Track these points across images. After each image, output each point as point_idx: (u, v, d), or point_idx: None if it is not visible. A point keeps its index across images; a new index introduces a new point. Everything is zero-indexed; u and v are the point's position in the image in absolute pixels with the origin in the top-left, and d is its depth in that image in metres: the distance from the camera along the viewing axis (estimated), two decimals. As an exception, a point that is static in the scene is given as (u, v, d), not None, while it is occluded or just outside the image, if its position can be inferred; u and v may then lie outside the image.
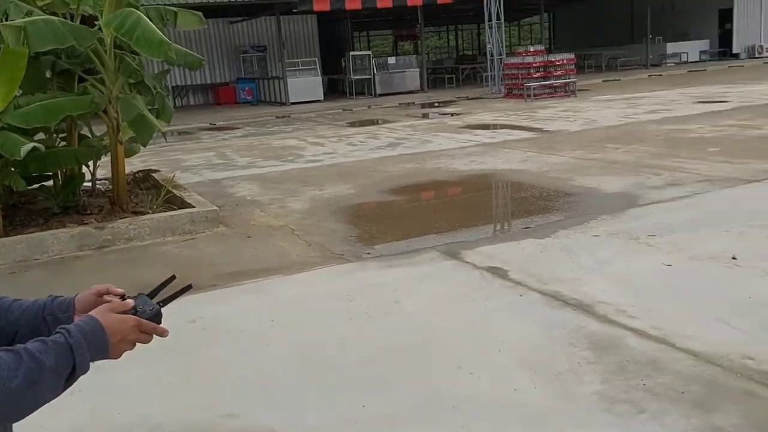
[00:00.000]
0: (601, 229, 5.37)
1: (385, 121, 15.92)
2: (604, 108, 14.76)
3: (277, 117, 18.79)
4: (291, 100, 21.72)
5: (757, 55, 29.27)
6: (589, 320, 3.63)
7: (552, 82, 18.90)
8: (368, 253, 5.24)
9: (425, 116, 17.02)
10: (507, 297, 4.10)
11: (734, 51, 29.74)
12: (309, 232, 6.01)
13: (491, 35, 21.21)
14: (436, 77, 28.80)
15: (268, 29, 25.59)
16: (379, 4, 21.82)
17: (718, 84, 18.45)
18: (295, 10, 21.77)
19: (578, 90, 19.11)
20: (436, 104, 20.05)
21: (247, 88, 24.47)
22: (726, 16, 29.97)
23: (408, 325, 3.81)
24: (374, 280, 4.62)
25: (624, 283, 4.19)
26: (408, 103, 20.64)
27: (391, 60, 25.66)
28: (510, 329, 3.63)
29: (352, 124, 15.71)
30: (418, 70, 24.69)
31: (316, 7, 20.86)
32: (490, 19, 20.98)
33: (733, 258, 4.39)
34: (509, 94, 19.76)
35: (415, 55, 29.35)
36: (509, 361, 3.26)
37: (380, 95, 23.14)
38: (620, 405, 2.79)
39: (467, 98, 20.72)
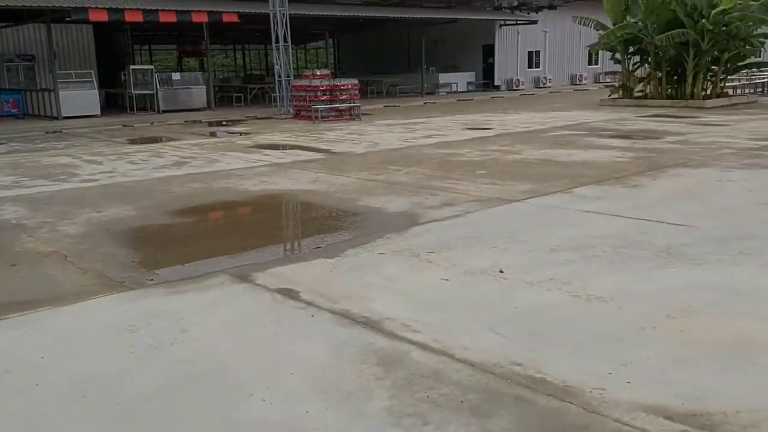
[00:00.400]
0: (386, 248, 5.62)
1: (170, 139, 15.28)
2: (386, 132, 15.54)
3: (47, 132, 17.19)
4: (63, 114, 20.03)
5: (514, 88, 32.76)
6: (378, 337, 3.78)
7: (338, 105, 19.49)
8: (152, 280, 4.97)
9: (213, 135, 16.62)
10: (298, 318, 4.12)
11: (496, 83, 33.00)
12: (85, 258, 5.55)
13: (279, 57, 21.37)
14: (224, 95, 28.34)
15: (37, 37, 23.39)
16: (162, 18, 20.95)
17: (483, 112, 20.33)
18: (68, 19, 20.14)
19: (362, 114, 19.90)
20: (224, 123, 19.68)
21: (11, 100, 22.15)
22: (489, 52, 33.22)
23: (196, 353, 3.67)
24: (159, 308, 4.39)
25: (408, 298, 4.42)
26: (194, 121, 20.03)
27: (176, 76, 24.79)
28: (302, 351, 3.65)
29: (133, 141, 14.87)
30: (204, 87, 24.10)
31: (92, 17, 19.45)
32: (277, 41, 21.13)
33: (501, 271, 4.84)
34: (298, 116, 20.02)
35: (201, 72, 28.61)
36: (301, 383, 3.28)
37: (164, 112, 22.21)
38: (407, 419, 2.92)
39: (256, 118, 20.62)
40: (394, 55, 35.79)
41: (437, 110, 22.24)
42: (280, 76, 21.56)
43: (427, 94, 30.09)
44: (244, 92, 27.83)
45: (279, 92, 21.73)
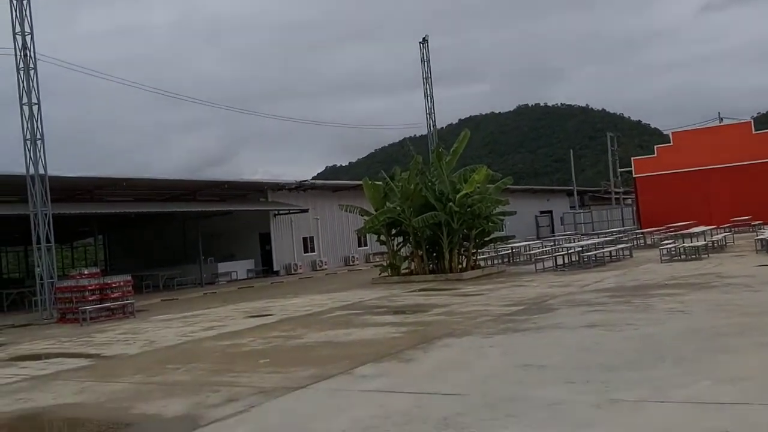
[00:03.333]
0: (164, 460, 5.21)
1: None
2: (164, 328, 14.88)
3: None
4: None
5: (293, 272, 33.60)
6: None
7: (109, 304, 18.42)
8: None
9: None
10: None
11: (275, 268, 33.66)
12: None
13: (41, 258, 19.95)
14: (-26, 303, 25.36)
15: None
16: None
17: (264, 299, 20.43)
18: None
19: (137, 311, 18.95)
20: (-28, 335, 17.45)
21: None
22: (266, 239, 34.14)
23: None
24: None
25: None
26: (-67, 336, 17.51)
27: None
28: None
29: None
30: (-53, 297, 21.46)
31: None
32: (38, 243, 19.83)
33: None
34: (63, 319, 18.47)
35: (-57, 280, 25.56)
36: None
37: None
38: None
39: (13, 326, 18.61)
40: (170, 247, 35.26)
41: (218, 300, 21.90)
42: (42, 279, 19.98)
43: (207, 284, 29.67)
44: (0, 298, 25.21)
45: (41, 296, 20.01)
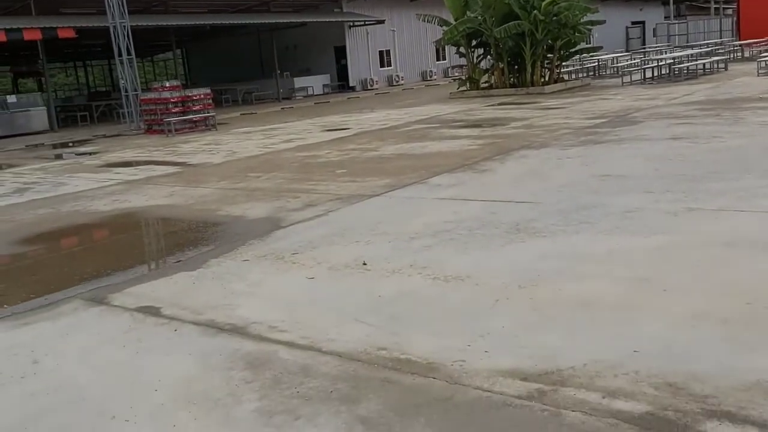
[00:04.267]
0: (250, 254, 5.57)
1: (9, 166, 14.22)
2: (244, 140, 15.32)
3: None
4: None
5: (369, 87, 33.34)
6: (244, 341, 3.75)
7: (192, 116, 18.96)
8: (-4, 314, 4.63)
9: (58, 157, 15.65)
10: (161, 334, 4.00)
11: (351, 84, 33.43)
12: None
13: (123, 71, 20.44)
14: (68, 116, 26.74)
15: None
16: (-13, 37, 19.42)
17: (340, 113, 20.55)
18: None
19: (218, 123, 19.50)
20: (71, 144, 18.58)
21: None
22: (341, 53, 33.58)
23: (50, 384, 3.47)
24: (5, 342, 4.10)
25: (274, 300, 4.42)
26: (36, 145, 18.76)
27: (12, 99, 23.10)
28: (165, 367, 3.55)
29: (-35, 173, 13.68)
30: (44, 108, 22.65)
31: None
32: (120, 55, 20.20)
33: (364, 264, 4.95)
34: (150, 130, 19.26)
35: (39, 93, 26.80)
36: (166, 399, 3.19)
37: (2, 138, 20.64)
38: (278, 416, 2.93)
39: (105, 136, 19.63)
40: (246, 62, 35.33)
41: (295, 114, 22.20)
42: (126, 91, 20.63)
43: (284, 99, 29.97)
44: (89, 110, 26.40)
45: (127, 108, 20.80)
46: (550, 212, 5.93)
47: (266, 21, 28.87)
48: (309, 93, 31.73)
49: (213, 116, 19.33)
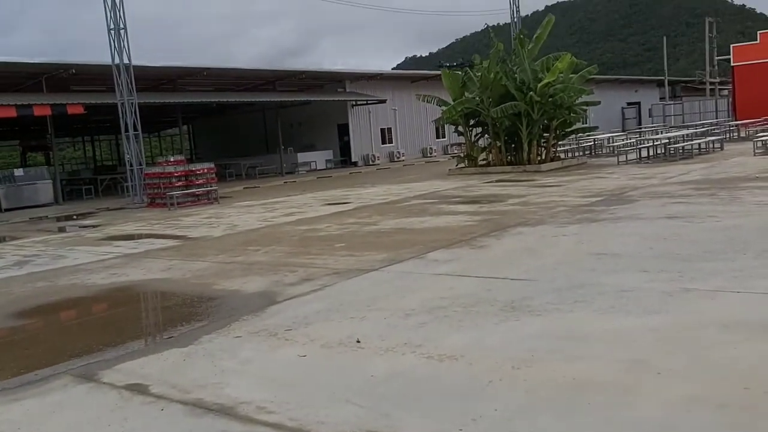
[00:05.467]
0: (242, 330, 5.53)
1: (13, 238, 14.30)
2: (245, 213, 15.45)
3: None
4: None
5: (371, 163, 33.84)
6: (231, 423, 3.68)
7: (194, 190, 19.20)
8: (-16, 390, 4.56)
9: (61, 230, 15.74)
10: (147, 414, 3.93)
11: (353, 159, 33.97)
12: None
13: (129, 146, 20.84)
14: (73, 188, 27.07)
15: None
16: (0, 114, 19.88)
17: (341, 188, 20.80)
18: None
19: (220, 197, 19.72)
20: (74, 217, 18.72)
21: None
22: (344, 130, 34.29)
23: (33, 464, 3.39)
24: (-9, 420, 4.03)
25: (264, 379, 4.36)
26: (40, 217, 18.91)
27: (19, 172, 23.49)
28: (151, 446, 3.48)
29: (-34, 244, 13.73)
30: (50, 181, 22.95)
31: None
32: (126, 130, 20.65)
33: (358, 341, 4.91)
34: (152, 204, 19.46)
35: (46, 167, 27.26)
36: (150, 480, 3.12)
37: (7, 210, 20.89)
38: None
39: (108, 209, 19.80)
40: (251, 137, 36.02)
41: (297, 188, 22.45)
42: (131, 165, 20.96)
43: (287, 173, 30.38)
44: (94, 184, 26.75)
45: (131, 181, 21.08)
46: (546, 290, 5.92)
47: (272, 99, 29.62)
48: (312, 168, 32.20)
49: (215, 190, 19.56)
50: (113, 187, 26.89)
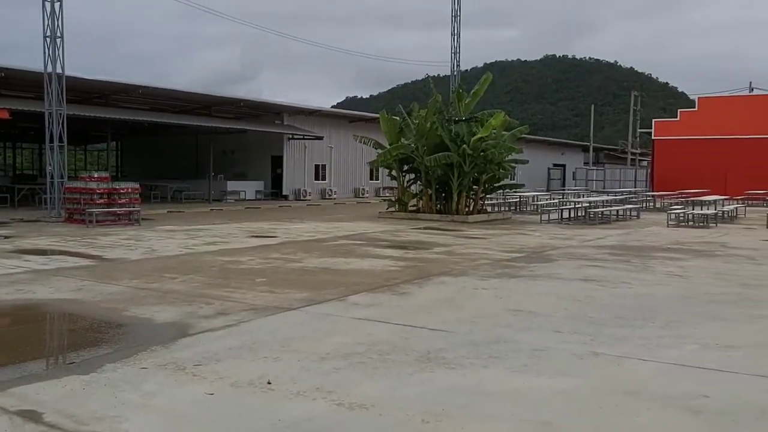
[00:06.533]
0: (149, 361, 5.32)
1: None
2: (167, 238, 15.04)
3: None
4: None
5: (302, 198, 33.72)
6: (127, 460, 3.51)
7: (116, 209, 18.58)
8: None
9: (-37, 238, 14.87)
10: (37, 444, 3.71)
11: (284, 193, 33.76)
12: None
13: (53, 157, 20.05)
14: (-14, 196, 25.70)
15: None
16: None
17: (269, 221, 20.58)
18: None
19: (143, 219, 19.15)
20: (-20, 225, 17.73)
21: None
22: (278, 163, 34.11)
23: None
24: None
25: (166, 416, 4.19)
26: (-58, 223, 17.82)
27: None
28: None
29: None
30: (-41, 186, 21.73)
31: None
32: (51, 141, 19.88)
33: (269, 383, 4.80)
34: (70, 219, 18.71)
35: (-44, 170, 25.86)
36: None
37: None
38: None
39: (23, 221, 18.90)
40: (181, 160, 35.35)
41: (223, 217, 22.06)
42: (52, 177, 20.13)
43: (215, 200, 29.86)
44: (11, 193, 25.49)
45: (51, 194, 20.21)
46: (462, 343, 5.97)
47: (207, 124, 29.21)
48: (241, 197, 31.78)
49: (138, 211, 18.99)
50: (31, 198, 25.69)
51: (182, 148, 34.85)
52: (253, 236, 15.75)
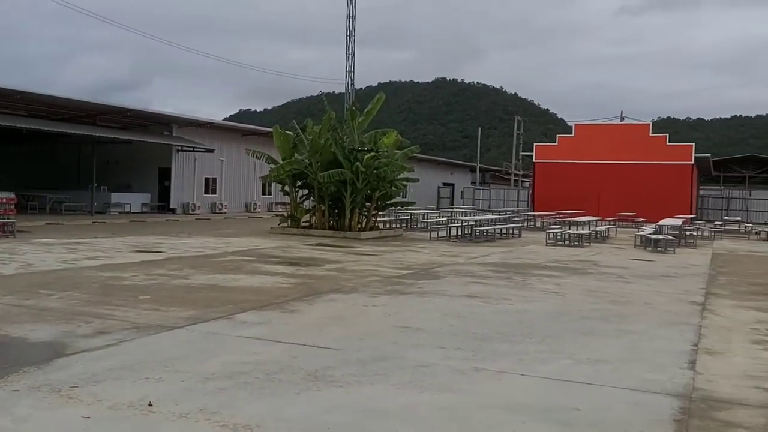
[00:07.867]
0: (22, 383, 5.04)
1: None
2: (44, 252, 14.23)
3: None
4: None
5: (190, 212, 32.82)
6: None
7: (-15, 220, 17.34)
8: None
9: None
10: None
11: (172, 206, 32.74)
12: None
13: None
14: None
15: None
16: None
17: (155, 235, 19.91)
18: None
19: (18, 231, 18.01)
20: None
21: None
22: (165, 174, 33.05)
23: None
24: None
25: (39, 442, 3.99)
26: None
27: None
28: None
29: None
30: None
31: None
32: None
33: (150, 405, 4.67)
34: (-70, 230, 17.26)
35: None
36: None
37: None
38: None
39: None
40: (62, 170, 33.56)
41: (106, 230, 21.12)
42: None
43: (98, 213, 28.54)
44: None
45: None
46: (349, 361, 6.06)
47: (90, 133, 27.90)
48: (126, 210, 30.53)
49: (13, 222, 17.85)
50: None
51: (64, 157, 33.09)
52: (137, 251, 15.19)
